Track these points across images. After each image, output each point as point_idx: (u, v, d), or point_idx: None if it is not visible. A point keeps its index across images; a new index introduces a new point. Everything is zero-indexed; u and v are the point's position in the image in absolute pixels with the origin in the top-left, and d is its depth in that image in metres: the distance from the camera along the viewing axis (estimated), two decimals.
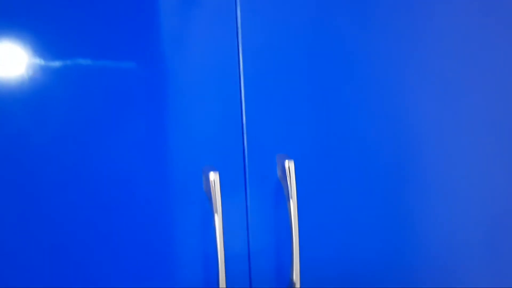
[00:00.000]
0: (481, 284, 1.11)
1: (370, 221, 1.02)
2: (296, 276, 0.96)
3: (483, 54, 1.07)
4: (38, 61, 0.87)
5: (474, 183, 1.08)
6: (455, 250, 1.09)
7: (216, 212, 0.90)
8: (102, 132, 0.90)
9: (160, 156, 0.93)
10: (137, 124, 0.92)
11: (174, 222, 0.93)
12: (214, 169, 0.91)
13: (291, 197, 0.95)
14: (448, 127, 1.06)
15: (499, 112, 1.09)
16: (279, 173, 0.96)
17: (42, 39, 0.87)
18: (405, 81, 1.03)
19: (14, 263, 0.87)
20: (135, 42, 0.91)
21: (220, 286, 0.92)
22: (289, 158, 0.95)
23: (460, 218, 1.08)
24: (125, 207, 0.91)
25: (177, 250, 0.94)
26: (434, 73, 1.04)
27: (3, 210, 0.87)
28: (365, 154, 1.01)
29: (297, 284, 0.96)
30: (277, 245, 0.98)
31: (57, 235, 0.89)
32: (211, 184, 0.90)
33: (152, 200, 0.92)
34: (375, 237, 1.03)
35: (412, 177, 1.05)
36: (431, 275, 1.07)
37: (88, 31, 0.88)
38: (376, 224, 1.03)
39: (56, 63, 0.88)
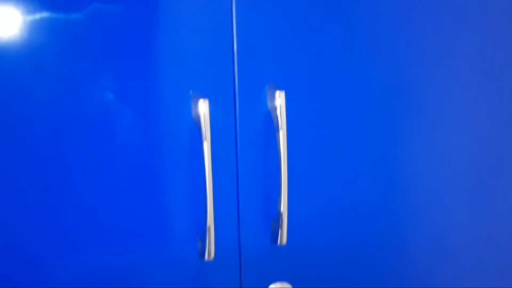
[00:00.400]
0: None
1: (360, 152, 1.02)
2: (284, 208, 0.96)
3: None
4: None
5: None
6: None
7: (205, 139, 0.90)
8: (93, 64, 0.89)
9: (150, 82, 0.91)
10: (127, 50, 0.90)
11: (162, 148, 0.93)
12: (203, 96, 0.90)
13: (281, 128, 0.94)
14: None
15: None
16: (269, 103, 0.95)
17: None
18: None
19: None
20: None
21: (208, 215, 0.92)
22: (280, 88, 0.94)
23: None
24: (114, 134, 0.90)
25: (165, 177, 0.93)
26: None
27: None
28: (356, 87, 1.01)
29: (285, 216, 0.97)
30: (266, 176, 0.97)
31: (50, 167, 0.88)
32: (200, 111, 0.89)
33: (141, 126, 0.91)
34: (366, 169, 1.03)
35: (407, 113, 1.05)
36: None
37: None
38: (367, 156, 1.03)
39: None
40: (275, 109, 0.94)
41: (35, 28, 0.85)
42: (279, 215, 0.97)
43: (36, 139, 0.87)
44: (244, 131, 0.95)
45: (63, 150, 0.88)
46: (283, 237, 0.98)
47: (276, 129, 0.94)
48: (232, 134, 0.95)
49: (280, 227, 0.97)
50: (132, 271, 0.94)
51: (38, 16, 0.85)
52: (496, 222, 1.14)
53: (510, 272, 1.17)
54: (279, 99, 0.94)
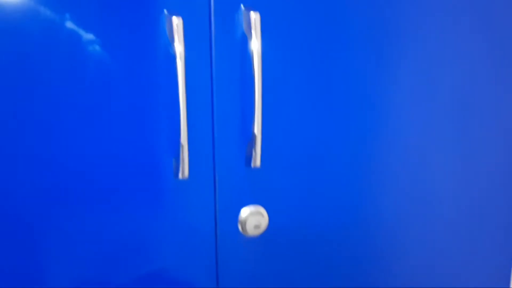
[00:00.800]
0: None
1: (337, 75, 1.03)
2: (257, 130, 0.98)
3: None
4: None
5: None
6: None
7: (179, 58, 0.90)
8: None
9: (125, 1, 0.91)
10: None
11: (137, 67, 0.92)
12: (178, 15, 0.90)
13: (256, 52, 0.94)
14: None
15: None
16: (244, 25, 0.95)
17: None
18: None
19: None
20: None
21: (181, 133, 0.93)
22: (255, 10, 0.94)
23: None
24: (88, 54, 0.90)
25: (140, 96, 0.94)
26: None
27: None
28: (338, 10, 1.00)
29: (258, 138, 0.98)
30: (241, 98, 0.98)
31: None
32: (174, 28, 0.89)
33: (115, 46, 0.91)
34: (342, 93, 1.04)
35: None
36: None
37: None
38: (344, 80, 1.03)
39: None
40: (250, 32, 0.94)
41: None
42: (253, 137, 0.98)
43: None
44: (220, 52, 0.95)
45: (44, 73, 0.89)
46: (256, 159, 0.99)
47: (251, 52, 0.95)
48: (207, 54, 0.95)
49: (254, 149, 0.99)
50: (107, 191, 0.96)
51: None
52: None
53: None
54: (254, 21, 0.93)
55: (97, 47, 0.90)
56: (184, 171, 0.95)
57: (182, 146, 0.93)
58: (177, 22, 0.89)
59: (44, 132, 0.91)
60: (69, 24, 0.88)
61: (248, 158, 1.01)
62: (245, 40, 0.96)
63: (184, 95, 0.91)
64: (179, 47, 0.90)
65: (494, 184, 1.20)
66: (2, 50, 0.86)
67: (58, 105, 0.91)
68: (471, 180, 1.18)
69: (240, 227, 1.04)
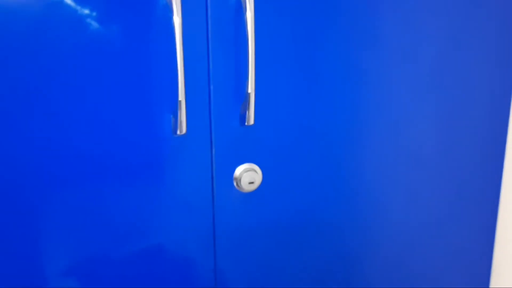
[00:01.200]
0: None
1: (329, 35, 1.07)
2: (251, 88, 1.02)
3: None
4: None
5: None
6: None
7: (177, 24, 0.94)
8: None
9: None
10: None
11: (135, 26, 0.96)
12: None
13: (249, 14, 0.99)
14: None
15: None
16: None
17: None
18: None
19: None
20: None
21: (179, 89, 0.97)
22: None
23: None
24: (86, 14, 0.95)
25: (140, 55, 0.98)
26: None
27: None
28: None
29: (252, 96, 1.02)
30: (236, 58, 1.02)
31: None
32: None
33: (111, 7, 0.94)
34: (334, 52, 1.08)
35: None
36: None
37: None
38: (335, 38, 1.08)
39: None
40: None
41: None
42: (247, 96, 1.03)
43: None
44: (215, 14, 0.99)
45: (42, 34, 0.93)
46: (250, 117, 1.04)
47: (243, 10, 0.99)
48: (203, 15, 0.99)
49: (248, 108, 1.04)
50: (108, 149, 1.00)
51: None
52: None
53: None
54: None
55: (96, 10, 0.94)
56: (182, 127, 1.00)
57: (180, 102, 0.98)
58: None
59: (44, 91, 0.94)
60: None
61: (243, 117, 1.05)
62: (239, 1, 1.00)
63: (181, 53, 0.95)
64: (176, 8, 0.94)
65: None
66: None
67: (58, 66, 0.94)
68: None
69: (235, 183, 1.09)
